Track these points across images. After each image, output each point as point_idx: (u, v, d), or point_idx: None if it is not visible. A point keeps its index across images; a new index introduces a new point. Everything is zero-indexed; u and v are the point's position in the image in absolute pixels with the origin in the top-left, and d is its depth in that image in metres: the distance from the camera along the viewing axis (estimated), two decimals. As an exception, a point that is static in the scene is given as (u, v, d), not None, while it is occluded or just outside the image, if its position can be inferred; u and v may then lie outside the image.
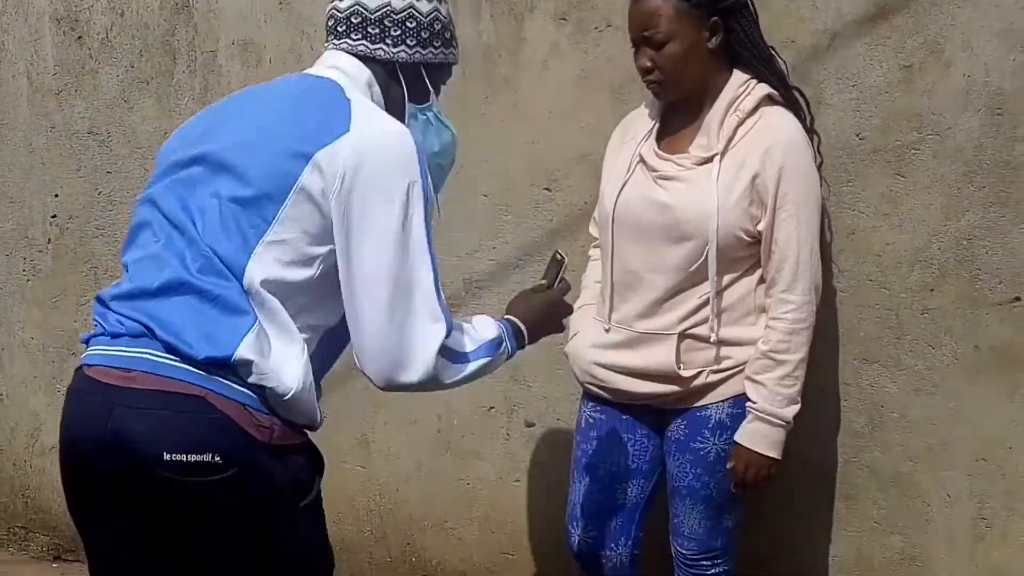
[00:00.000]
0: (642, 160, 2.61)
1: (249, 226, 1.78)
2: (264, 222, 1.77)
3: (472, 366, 1.94)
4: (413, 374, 1.83)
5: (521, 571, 3.40)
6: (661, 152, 2.60)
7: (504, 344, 2.04)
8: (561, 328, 2.29)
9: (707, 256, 2.51)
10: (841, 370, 2.87)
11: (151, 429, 1.71)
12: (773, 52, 2.62)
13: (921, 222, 2.73)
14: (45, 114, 3.91)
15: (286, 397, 1.80)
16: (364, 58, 1.99)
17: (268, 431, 1.78)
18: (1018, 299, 2.66)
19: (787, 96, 2.61)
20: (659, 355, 2.59)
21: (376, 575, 3.62)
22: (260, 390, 1.78)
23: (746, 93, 2.55)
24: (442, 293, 1.87)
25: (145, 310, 1.79)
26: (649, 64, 2.54)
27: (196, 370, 1.74)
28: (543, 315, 2.18)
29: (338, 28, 2.01)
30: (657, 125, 2.65)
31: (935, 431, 2.79)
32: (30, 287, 4.01)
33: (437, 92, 2.10)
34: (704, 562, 2.75)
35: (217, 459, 1.72)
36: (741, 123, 2.53)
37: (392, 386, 1.88)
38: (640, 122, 2.69)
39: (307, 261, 1.81)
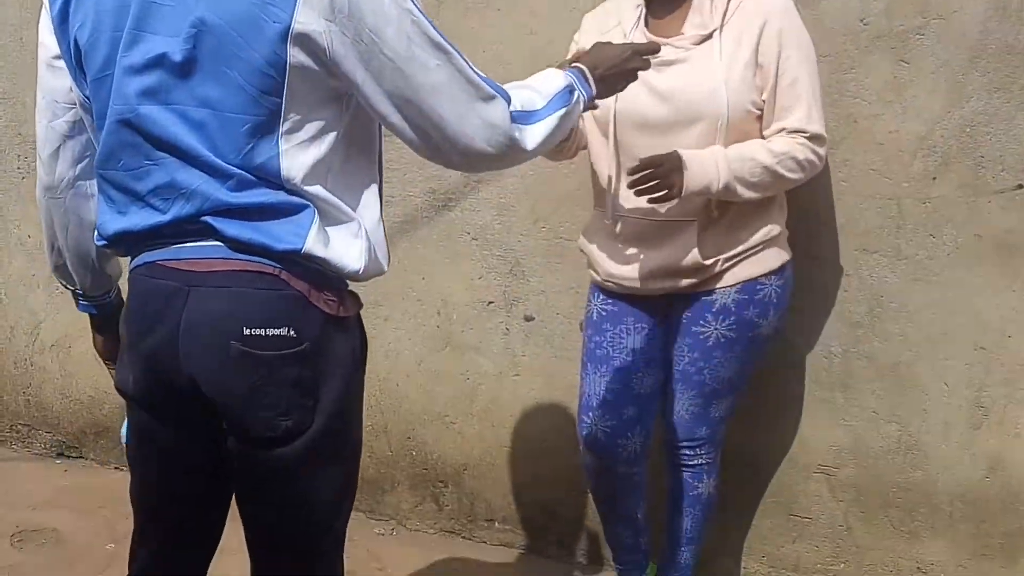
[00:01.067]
0: None
1: (260, 126, 1.70)
2: (273, 116, 1.69)
3: (550, 120, 1.85)
4: (492, 148, 1.75)
5: (521, 465, 3.43)
6: (653, 37, 2.55)
7: (577, 91, 1.94)
8: (635, 76, 2.13)
9: (719, 133, 2.48)
10: (842, 260, 2.86)
11: (231, 305, 1.72)
12: None
13: (924, 109, 2.70)
14: (35, 9, 3.83)
15: (354, 277, 1.81)
16: None
17: (336, 304, 1.79)
18: (1020, 186, 2.64)
19: None
20: (679, 247, 2.57)
21: (377, 469, 3.65)
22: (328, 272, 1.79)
23: None
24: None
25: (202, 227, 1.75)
26: None
27: (267, 258, 1.74)
28: (616, 61, 2.06)
29: None
30: (644, 11, 2.60)
31: (934, 320, 2.79)
32: (25, 184, 3.98)
33: None
34: (686, 451, 2.77)
35: (292, 333, 1.73)
36: None
37: (478, 166, 1.83)
38: (619, 13, 2.65)
39: (331, 124, 1.75)
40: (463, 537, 3.57)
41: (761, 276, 2.61)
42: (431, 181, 3.28)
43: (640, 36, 2.57)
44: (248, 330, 1.71)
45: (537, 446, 3.39)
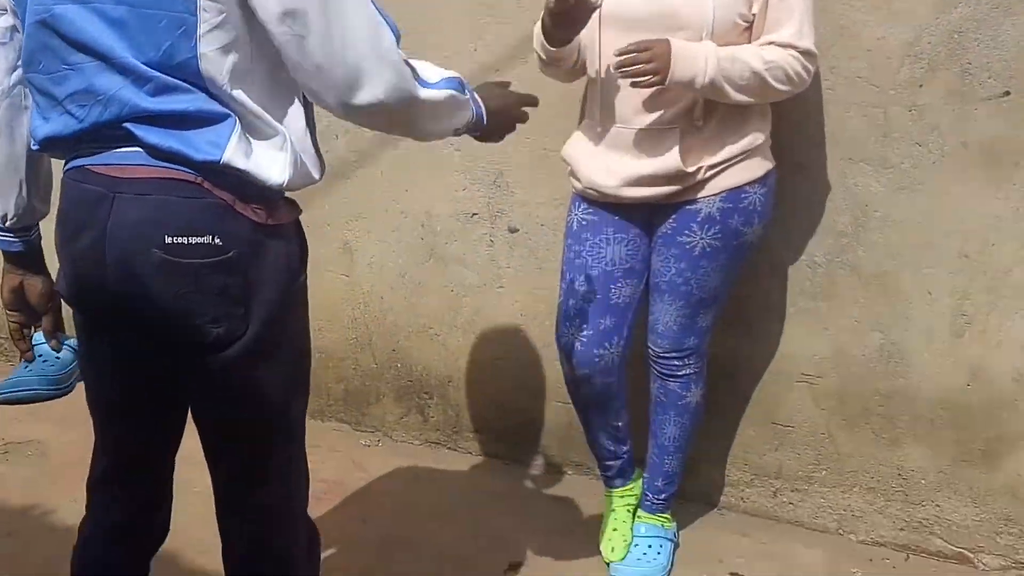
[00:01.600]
0: None
1: (177, 25, 1.64)
2: (189, 14, 1.64)
3: (442, 92, 1.79)
4: (379, 81, 1.67)
5: (506, 376, 3.45)
6: None
7: (468, 90, 1.89)
8: (512, 128, 2.12)
9: (703, 42, 2.45)
10: (827, 169, 2.85)
11: (152, 212, 1.69)
12: None
13: (912, 15, 2.67)
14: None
15: (279, 188, 1.77)
16: None
17: (264, 212, 1.76)
18: (1008, 93, 2.62)
19: None
20: (660, 154, 2.55)
21: (361, 381, 3.66)
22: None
23: None
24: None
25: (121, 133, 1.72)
26: None
27: (188, 167, 1.70)
28: (501, 105, 2.05)
29: None
30: None
31: (919, 229, 2.79)
32: None
33: None
34: (675, 361, 2.78)
35: (217, 241, 1.71)
36: None
37: (357, 104, 1.70)
38: None
39: (251, 27, 1.67)
40: (448, 448, 3.60)
41: (745, 184, 2.60)
42: (413, 91, 3.24)
43: None
44: (170, 238, 1.68)
45: (522, 357, 3.39)
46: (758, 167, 2.62)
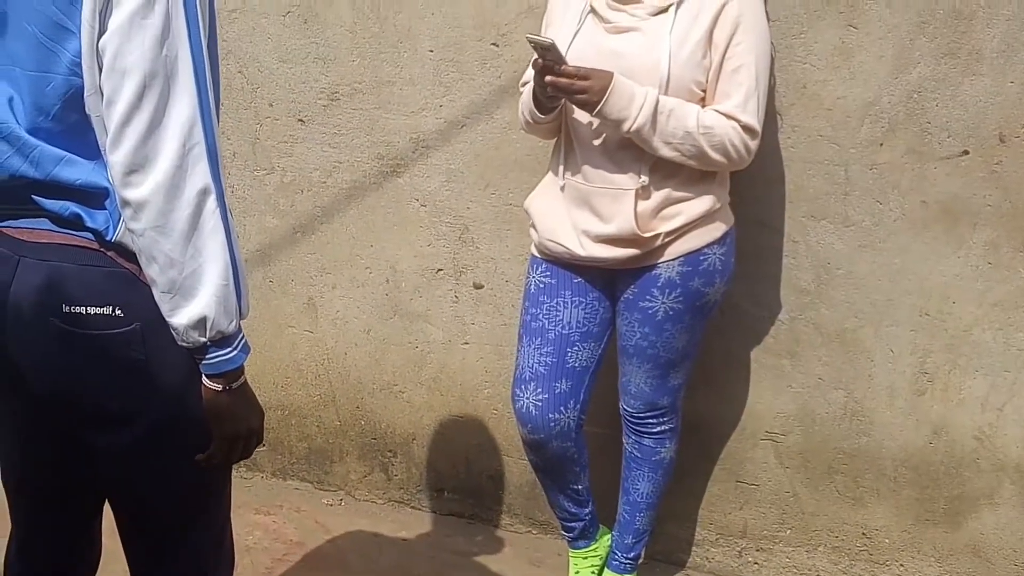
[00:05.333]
0: (593, 11, 2.55)
1: (65, 86, 1.59)
2: (75, 76, 1.58)
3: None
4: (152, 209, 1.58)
5: (470, 433, 3.42)
6: (614, 3, 2.54)
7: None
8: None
9: None
10: (788, 227, 2.86)
11: (52, 279, 1.64)
12: None
13: (872, 75, 2.70)
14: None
15: None
16: None
17: None
18: (966, 152, 2.66)
19: None
20: (616, 215, 2.55)
21: (325, 439, 3.62)
22: None
23: None
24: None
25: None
26: None
27: (90, 234, 1.66)
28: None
29: None
30: None
31: (880, 287, 2.80)
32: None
33: None
34: (651, 420, 2.78)
35: (118, 312, 1.64)
36: None
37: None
38: None
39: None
40: (412, 507, 3.56)
41: (704, 247, 2.60)
42: (378, 146, 3.24)
43: (600, 1, 2.54)
44: (67, 307, 1.63)
45: (487, 414, 3.37)
46: (716, 229, 2.62)
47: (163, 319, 1.64)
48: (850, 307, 2.84)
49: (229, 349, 1.66)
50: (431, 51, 3.10)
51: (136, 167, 1.55)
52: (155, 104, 1.54)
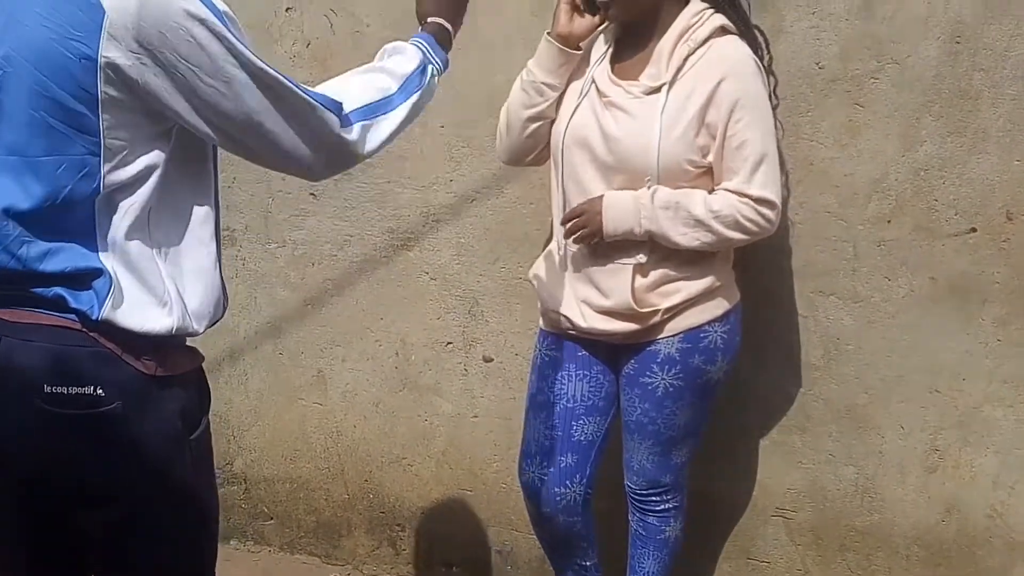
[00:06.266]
0: (595, 83, 2.58)
1: (78, 168, 1.60)
2: (91, 154, 1.61)
3: (400, 111, 1.84)
4: (320, 167, 1.78)
5: (480, 507, 3.40)
6: (614, 77, 2.57)
7: (430, 66, 1.91)
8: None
9: (649, 184, 2.48)
10: (798, 303, 2.87)
11: (34, 360, 1.64)
12: None
13: (879, 152, 2.72)
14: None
15: (168, 338, 1.71)
16: None
17: (152, 364, 1.70)
18: (974, 230, 2.67)
19: (746, 33, 2.56)
20: (614, 288, 2.56)
21: (333, 512, 3.61)
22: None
23: (700, 23, 2.50)
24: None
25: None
26: None
27: (73, 315, 1.67)
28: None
29: None
30: (612, 49, 2.60)
31: (890, 363, 2.80)
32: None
33: None
34: (653, 498, 2.75)
35: (99, 391, 1.65)
36: (692, 53, 2.48)
37: (320, 175, 1.82)
38: (598, 45, 2.65)
39: (156, 162, 1.66)
40: (420, 581, 3.53)
41: (704, 324, 2.59)
42: (389, 220, 3.27)
43: (603, 73, 2.57)
44: (49, 387, 1.63)
45: (496, 488, 3.35)
46: (717, 307, 2.60)
47: (145, 396, 1.67)
48: (860, 383, 2.84)
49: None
50: (442, 127, 3.14)
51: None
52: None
